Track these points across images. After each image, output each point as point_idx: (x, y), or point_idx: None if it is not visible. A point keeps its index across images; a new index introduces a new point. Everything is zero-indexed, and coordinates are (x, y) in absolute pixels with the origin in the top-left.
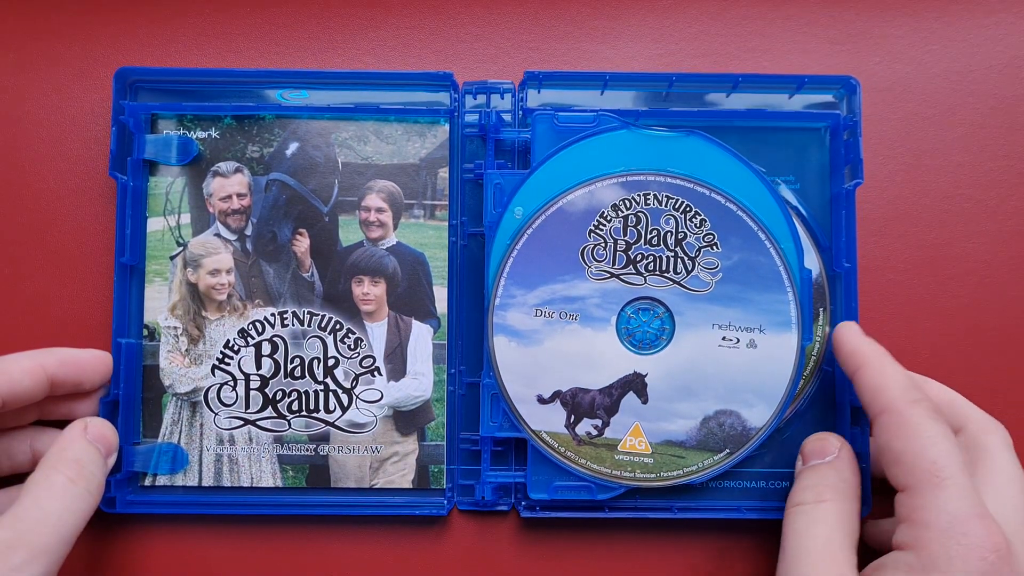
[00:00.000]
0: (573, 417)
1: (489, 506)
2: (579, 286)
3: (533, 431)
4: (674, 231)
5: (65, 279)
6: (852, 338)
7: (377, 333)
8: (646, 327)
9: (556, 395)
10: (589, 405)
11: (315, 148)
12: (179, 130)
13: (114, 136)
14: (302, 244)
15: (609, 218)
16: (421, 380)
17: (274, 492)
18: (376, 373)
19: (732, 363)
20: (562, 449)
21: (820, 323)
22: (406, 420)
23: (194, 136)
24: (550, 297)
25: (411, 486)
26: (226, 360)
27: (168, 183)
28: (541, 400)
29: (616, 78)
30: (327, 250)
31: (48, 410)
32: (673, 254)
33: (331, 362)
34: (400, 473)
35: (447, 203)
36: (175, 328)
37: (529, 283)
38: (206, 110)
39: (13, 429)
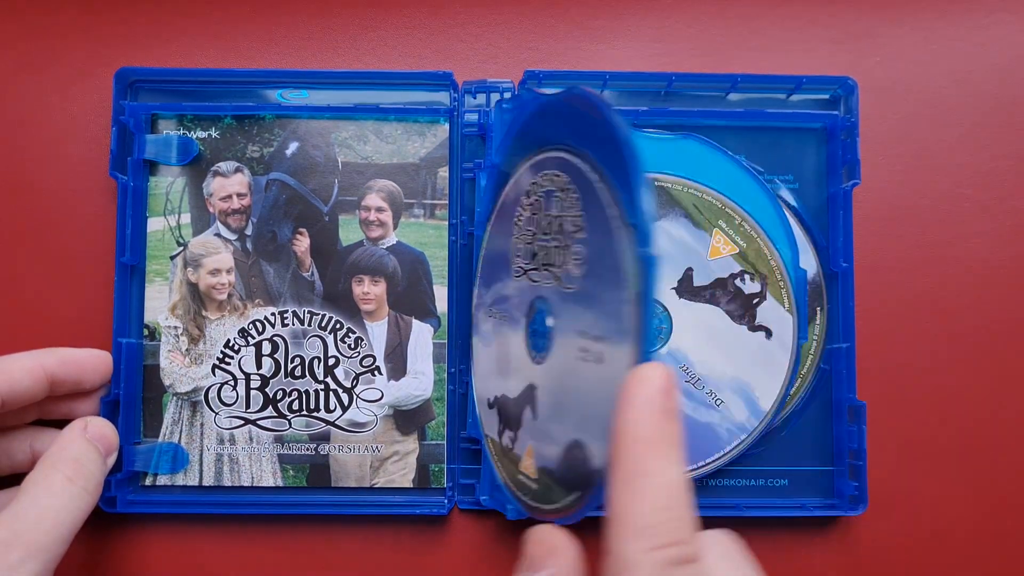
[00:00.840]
0: (503, 425)
1: (489, 505)
2: (508, 285)
3: (485, 434)
4: (559, 214)
5: (65, 279)
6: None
7: (377, 332)
8: (542, 330)
9: (495, 401)
10: (507, 415)
11: (315, 148)
12: (179, 130)
13: (114, 136)
14: (302, 244)
15: (525, 206)
16: (421, 379)
17: (275, 492)
18: (376, 372)
19: (587, 381)
20: (496, 458)
21: (817, 322)
22: (406, 419)
23: (194, 136)
24: (496, 297)
25: (412, 485)
26: (226, 360)
27: (168, 183)
28: (488, 404)
29: (616, 77)
30: (327, 249)
31: (48, 410)
32: (557, 242)
33: (331, 361)
34: (401, 472)
35: (447, 202)
36: (175, 328)
37: (488, 282)
38: (206, 110)
39: (13, 429)
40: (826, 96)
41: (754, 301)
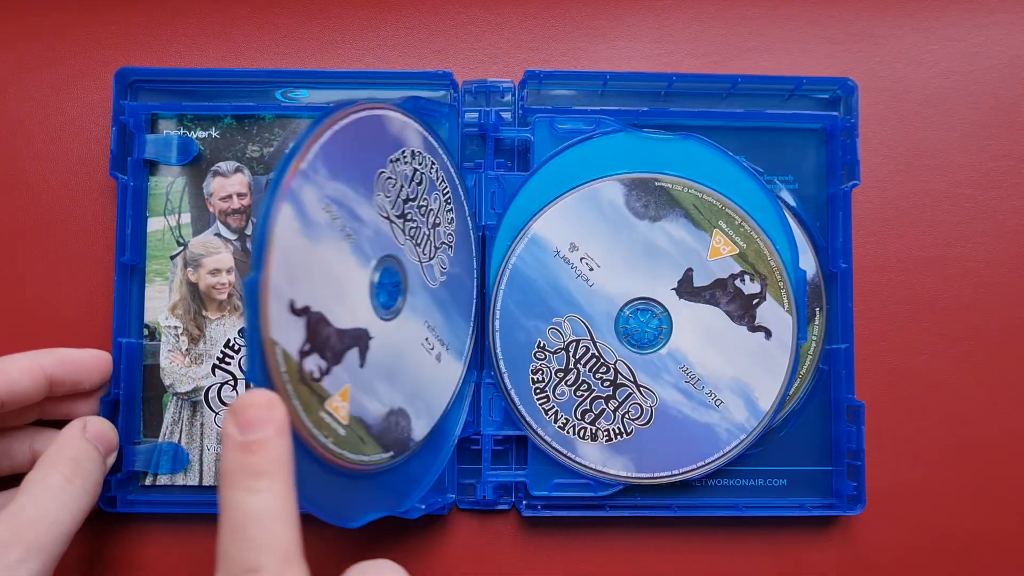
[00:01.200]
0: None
1: (490, 505)
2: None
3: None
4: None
5: (65, 279)
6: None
7: None
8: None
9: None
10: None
11: None
12: (179, 130)
13: (114, 136)
14: None
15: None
16: None
17: None
18: None
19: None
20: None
21: (816, 322)
22: None
23: (194, 136)
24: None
25: None
26: (227, 359)
27: (168, 183)
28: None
29: (616, 78)
30: None
31: (48, 410)
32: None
33: None
34: None
35: None
36: (176, 328)
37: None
38: (206, 110)
39: (12, 429)
40: (826, 97)
41: (754, 302)
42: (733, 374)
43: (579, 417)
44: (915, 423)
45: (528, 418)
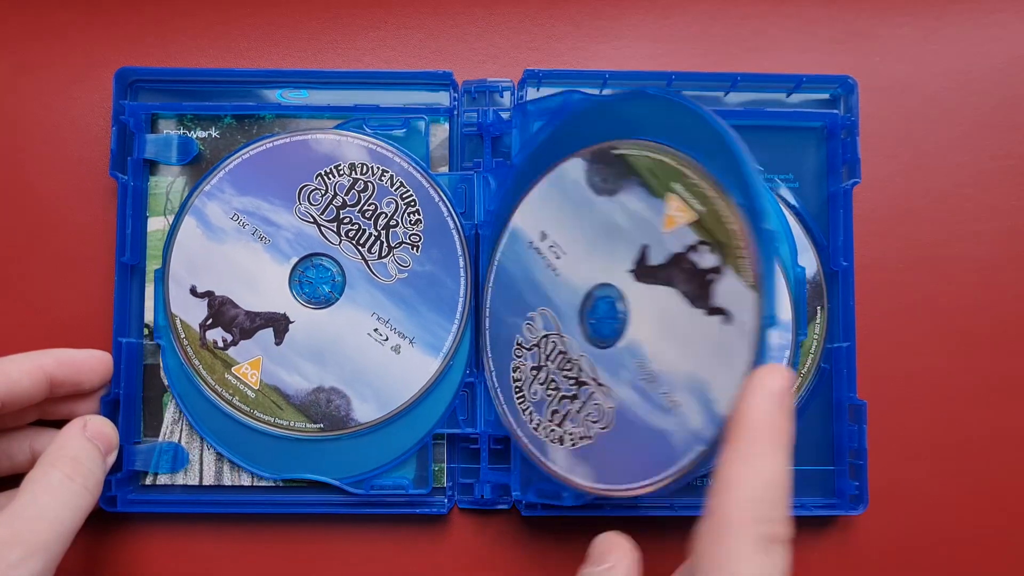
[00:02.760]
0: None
1: (489, 505)
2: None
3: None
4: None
5: (65, 279)
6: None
7: None
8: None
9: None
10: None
11: None
12: (179, 130)
13: (114, 136)
14: None
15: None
16: None
17: (275, 491)
18: None
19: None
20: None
21: (817, 320)
22: None
23: (194, 136)
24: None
25: (412, 485)
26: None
27: (168, 183)
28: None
29: (616, 77)
30: None
31: (48, 411)
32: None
33: None
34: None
35: None
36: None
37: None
38: (206, 110)
39: (13, 430)
40: (826, 95)
41: (708, 277)
42: (689, 368)
43: (549, 418)
44: (917, 422)
45: (510, 417)
